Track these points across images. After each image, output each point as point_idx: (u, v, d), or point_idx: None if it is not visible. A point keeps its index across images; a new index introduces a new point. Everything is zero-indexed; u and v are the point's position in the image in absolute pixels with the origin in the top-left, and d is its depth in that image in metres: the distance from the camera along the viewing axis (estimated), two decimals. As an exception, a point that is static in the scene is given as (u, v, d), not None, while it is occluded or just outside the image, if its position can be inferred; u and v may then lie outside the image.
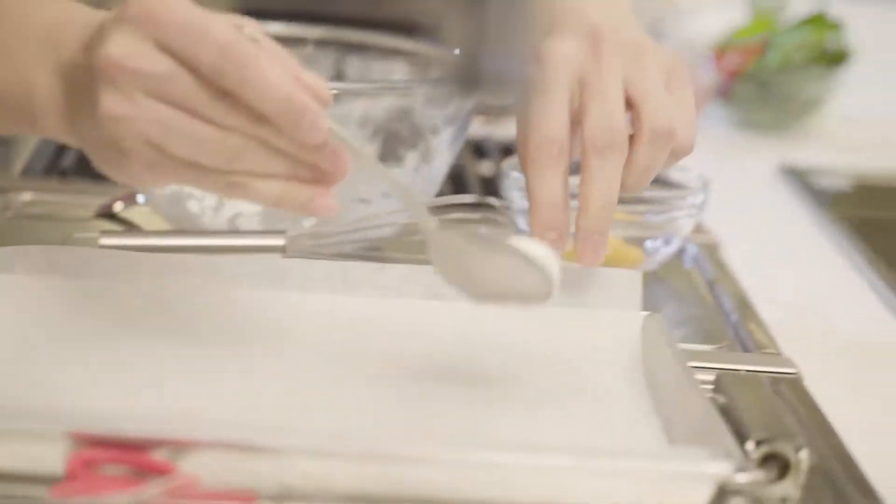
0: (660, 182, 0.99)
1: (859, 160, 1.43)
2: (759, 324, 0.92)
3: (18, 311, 0.79)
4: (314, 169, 0.71)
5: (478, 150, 1.25)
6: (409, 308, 0.82)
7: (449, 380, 0.75)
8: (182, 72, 0.68)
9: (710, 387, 0.79)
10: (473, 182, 1.15)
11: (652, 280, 0.99)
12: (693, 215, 0.97)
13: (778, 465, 0.69)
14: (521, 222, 0.96)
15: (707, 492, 0.65)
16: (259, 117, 0.69)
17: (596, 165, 0.79)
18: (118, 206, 1.01)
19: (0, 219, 1.02)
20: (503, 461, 0.65)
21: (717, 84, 1.51)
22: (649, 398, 0.76)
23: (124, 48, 0.68)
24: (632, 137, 0.80)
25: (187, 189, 0.91)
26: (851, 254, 1.12)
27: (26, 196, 1.05)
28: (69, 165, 1.16)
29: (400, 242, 0.94)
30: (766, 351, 0.88)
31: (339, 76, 1.07)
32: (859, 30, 1.55)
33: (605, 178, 0.79)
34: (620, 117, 0.80)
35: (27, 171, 1.16)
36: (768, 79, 1.48)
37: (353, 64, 1.07)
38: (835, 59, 1.51)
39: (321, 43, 1.06)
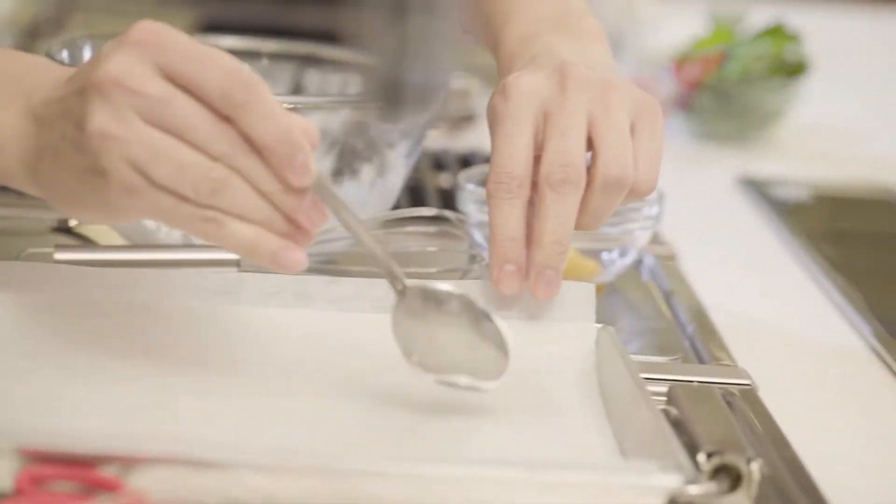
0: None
1: (818, 171, 1.44)
2: (715, 335, 0.93)
3: (-31, 326, 0.78)
4: (289, 221, 0.71)
5: (437, 162, 1.25)
6: (361, 322, 0.82)
7: (401, 394, 0.75)
8: (179, 96, 0.68)
9: (663, 399, 0.79)
10: (432, 195, 1.16)
11: (609, 292, 0.99)
12: (648, 227, 0.98)
13: (729, 476, 0.69)
14: (478, 235, 0.96)
15: (657, 503, 0.65)
16: (252, 148, 0.69)
17: (550, 199, 0.79)
18: (73, 221, 1.01)
19: (-45, 234, 1.01)
20: (453, 474, 0.65)
21: (677, 95, 1.51)
22: (602, 411, 0.76)
23: (124, 67, 0.68)
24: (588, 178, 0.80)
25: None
26: (809, 265, 1.13)
27: (-19, 211, 1.04)
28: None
29: (356, 255, 0.94)
30: (722, 363, 0.88)
31: (297, 89, 1.07)
32: (817, 41, 1.56)
33: (559, 213, 0.79)
34: (578, 154, 0.79)
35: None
36: (728, 90, 1.49)
37: (313, 77, 1.07)
38: (794, 70, 1.52)
39: (275, 56, 1.06)
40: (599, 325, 0.82)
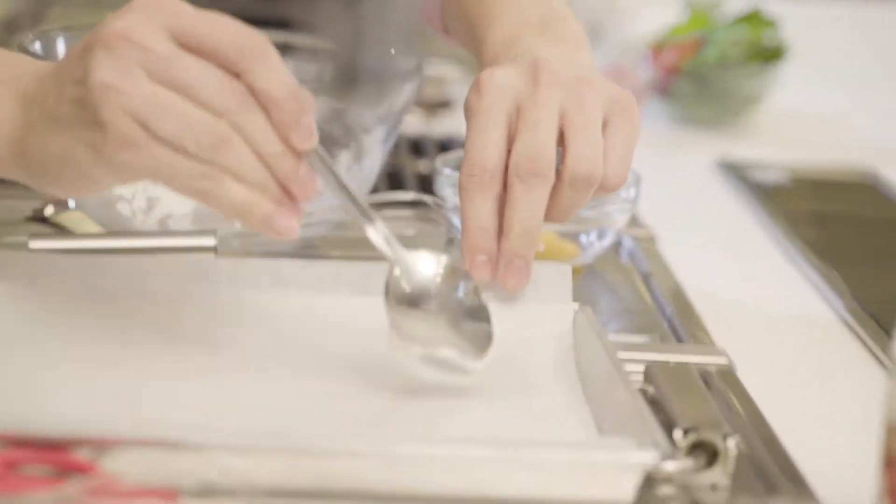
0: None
1: (795, 155, 1.44)
2: (694, 316, 0.93)
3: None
4: (283, 189, 0.71)
5: (415, 147, 1.25)
6: (338, 305, 0.81)
7: (379, 376, 0.75)
8: (186, 56, 0.69)
9: (640, 377, 0.79)
10: (411, 179, 1.15)
11: (588, 274, 0.99)
12: (626, 210, 0.98)
13: (706, 453, 0.69)
14: (455, 219, 0.96)
15: (634, 480, 0.65)
16: (258, 106, 0.69)
17: (519, 191, 0.79)
18: (49, 210, 1.00)
19: (-71, 224, 1.01)
20: (429, 454, 0.65)
21: (655, 81, 1.51)
22: (580, 390, 0.76)
23: (133, 25, 0.68)
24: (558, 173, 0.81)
25: (117, 191, 0.91)
26: (787, 247, 1.13)
27: (-44, 200, 1.04)
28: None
29: (335, 240, 0.94)
30: (699, 342, 0.88)
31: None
32: (794, 27, 1.56)
33: (528, 204, 0.80)
34: (548, 147, 0.80)
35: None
36: (706, 75, 1.49)
37: (289, 65, 1.06)
38: (771, 55, 1.52)
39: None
40: (576, 306, 0.82)
